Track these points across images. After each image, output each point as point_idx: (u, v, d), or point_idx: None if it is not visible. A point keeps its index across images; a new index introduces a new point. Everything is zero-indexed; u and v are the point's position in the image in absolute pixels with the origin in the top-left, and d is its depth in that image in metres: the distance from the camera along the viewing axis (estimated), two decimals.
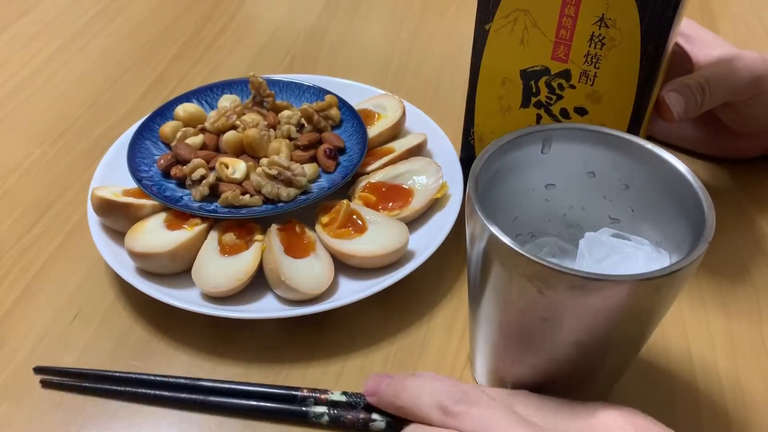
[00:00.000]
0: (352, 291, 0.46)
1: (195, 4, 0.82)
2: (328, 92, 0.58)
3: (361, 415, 0.40)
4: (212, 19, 0.79)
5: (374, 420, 0.40)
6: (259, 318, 0.44)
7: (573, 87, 0.45)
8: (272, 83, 0.60)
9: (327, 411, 0.40)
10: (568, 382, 0.37)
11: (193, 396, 0.42)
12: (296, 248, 0.47)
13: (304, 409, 0.41)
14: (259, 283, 0.46)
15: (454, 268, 0.50)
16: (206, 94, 0.59)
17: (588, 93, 0.45)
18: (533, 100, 0.47)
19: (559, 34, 0.43)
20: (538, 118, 0.48)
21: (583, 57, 0.43)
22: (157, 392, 0.42)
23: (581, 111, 0.46)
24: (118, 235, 0.48)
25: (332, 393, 0.41)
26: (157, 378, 0.43)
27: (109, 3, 0.82)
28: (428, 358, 0.44)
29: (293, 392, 0.41)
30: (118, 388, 0.42)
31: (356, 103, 0.58)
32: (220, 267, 0.45)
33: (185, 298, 0.45)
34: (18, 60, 0.72)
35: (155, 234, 0.47)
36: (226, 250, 0.46)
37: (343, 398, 0.41)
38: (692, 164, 0.58)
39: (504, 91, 0.48)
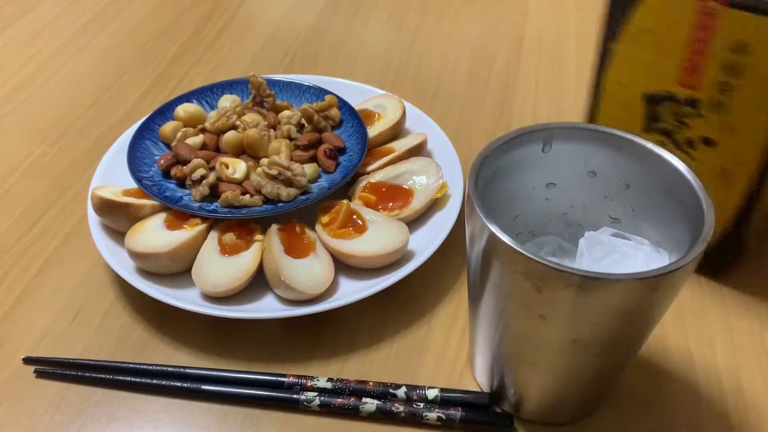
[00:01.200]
0: (352, 291, 0.46)
1: (195, 4, 0.82)
2: (328, 92, 0.58)
3: (351, 400, 0.41)
4: (212, 19, 0.79)
5: (365, 403, 0.40)
6: (259, 318, 0.44)
7: (701, 116, 0.42)
8: (272, 83, 0.60)
9: (318, 396, 0.41)
10: (567, 381, 0.37)
11: (186, 384, 0.42)
12: (296, 248, 0.47)
13: (294, 396, 0.41)
14: (259, 283, 0.46)
15: (454, 268, 0.50)
16: (206, 94, 0.59)
17: (718, 123, 0.41)
18: (656, 126, 0.44)
19: (688, 60, 0.40)
20: (661, 146, 0.43)
21: (715, 85, 0.40)
22: (145, 380, 0.43)
23: (709, 142, 0.42)
24: (118, 235, 0.48)
25: (318, 379, 0.42)
26: (139, 366, 0.43)
27: (109, 3, 0.82)
28: (428, 358, 0.44)
29: (279, 378, 0.42)
30: (108, 376, 0.43)
31: (356, 103, 0.58)
32: (220, 267, 0.45)
33: (185, 298, 0.45)
34: (18, 60, 0.72)
35: (155, 234, 0.47)
36: (226, 250, 0.46)
37: (329, 385, 0.42)
38: None
39: (625, 115, 0.45)
